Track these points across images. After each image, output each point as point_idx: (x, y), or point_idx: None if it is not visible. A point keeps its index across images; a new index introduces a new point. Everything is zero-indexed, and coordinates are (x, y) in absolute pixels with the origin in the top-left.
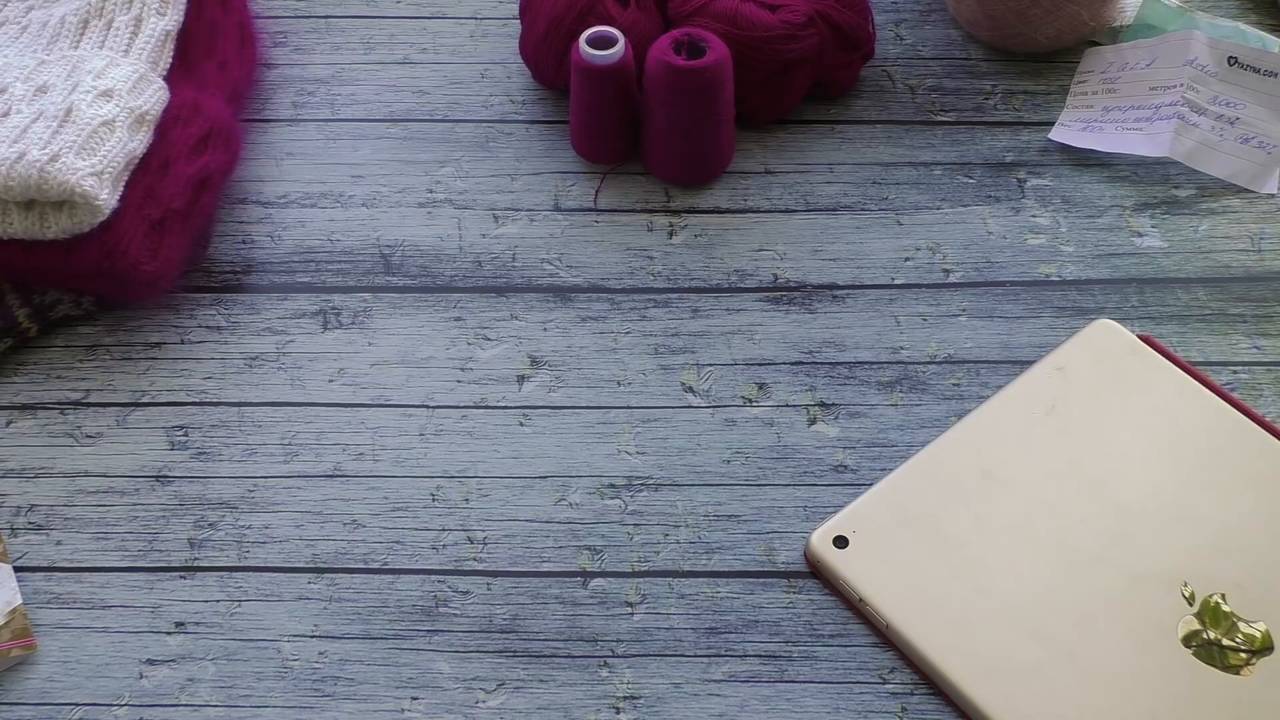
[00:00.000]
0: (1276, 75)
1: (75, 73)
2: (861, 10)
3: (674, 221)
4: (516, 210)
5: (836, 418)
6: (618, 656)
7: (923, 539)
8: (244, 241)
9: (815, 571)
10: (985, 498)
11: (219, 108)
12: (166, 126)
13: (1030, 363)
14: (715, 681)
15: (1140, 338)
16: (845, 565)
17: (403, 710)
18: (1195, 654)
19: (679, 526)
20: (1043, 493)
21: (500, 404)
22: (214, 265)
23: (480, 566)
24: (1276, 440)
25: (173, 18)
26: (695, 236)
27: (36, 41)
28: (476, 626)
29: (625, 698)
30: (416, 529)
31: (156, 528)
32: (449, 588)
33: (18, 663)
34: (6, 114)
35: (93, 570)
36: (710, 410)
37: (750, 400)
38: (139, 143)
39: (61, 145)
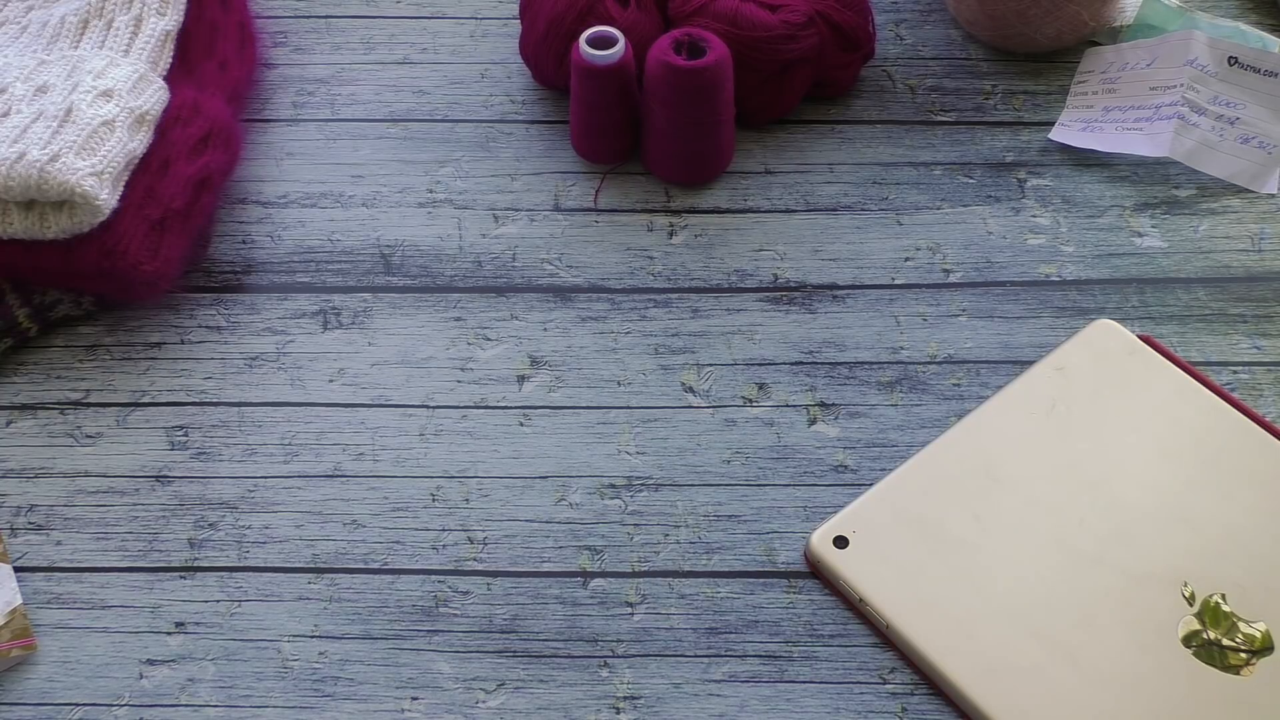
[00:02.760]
0: (1277, 75)
1: (75, 73)
2: (861, 10)
3: (674, 221)
4: (516, 210)
5: (837, 418)
6: (618, 657)
7: (923, 539)
8: (244, 241)
9: (815, 572)
10: (985, 498)
11: (219, 108)
12: (166, 126)
13: (1030, 363)
14: (715, 682)
15: (1140, 338)
16: (845, 565)
17: (403, 710)
18: (1195, 654)
19: (679, 527)
20: (1043, 493)
21: (500, 404)
22: (214, 265)
23: (480, 567)
24: (1277, 440)
25: (173, 18)
26: (695, 236)
27: (36, 41)
28: (476, 627)
29: (625, 698)
30: (416, 529)
31: (156, 528)
32: (449, 588)
33: (18, 663)
34: (6, 114)
35: (93, 570)
36: (710, 410)
37: (750, 400)
38: (139, 143)
39: (61, 145)
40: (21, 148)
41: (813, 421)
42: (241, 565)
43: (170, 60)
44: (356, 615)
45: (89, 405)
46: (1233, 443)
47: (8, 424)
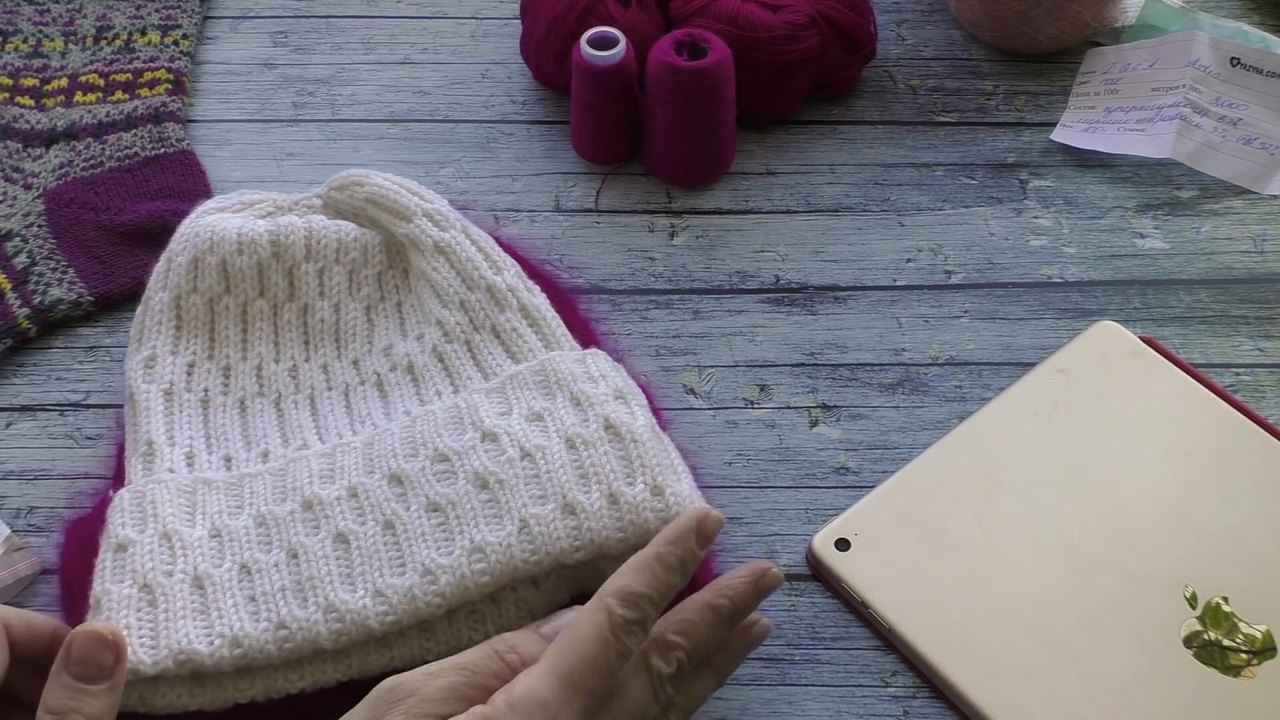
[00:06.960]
0: (1279, 76)
1: (558, 389)
2: (863, 10)
3: (675, 222)
4: (517, 211)
5: (838, 420)
6: None
7: (925, 542)
8: None
9: (817, 574)
10: (987, 500)
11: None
12: None
13: (1032, 364)
14: None
15: (1142, 339)
16: (847, 568)
17: None
18: (1196, 655)
19: None
20: (1045, 495)
21: None
22: None
23: None
24: (1279, 442)
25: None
26: (696, 237)
27: (392, 397)
28: None
29: None
30: None
31: None
32: None
33: (30, 581)
34: (485, 483)
35: None
36: (712, 412)
37: (752, 402)
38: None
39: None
40: (585, 493)
41: (814, 423)
42: None
43: None
44: None
45: (89, 407)
46: (1235, 445)
47: (7, 426)
